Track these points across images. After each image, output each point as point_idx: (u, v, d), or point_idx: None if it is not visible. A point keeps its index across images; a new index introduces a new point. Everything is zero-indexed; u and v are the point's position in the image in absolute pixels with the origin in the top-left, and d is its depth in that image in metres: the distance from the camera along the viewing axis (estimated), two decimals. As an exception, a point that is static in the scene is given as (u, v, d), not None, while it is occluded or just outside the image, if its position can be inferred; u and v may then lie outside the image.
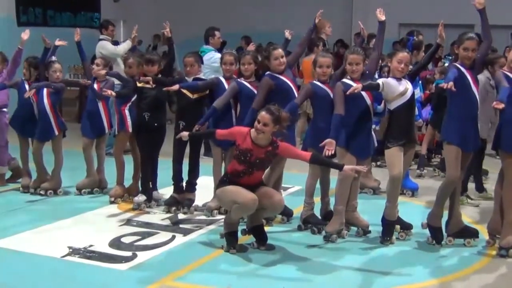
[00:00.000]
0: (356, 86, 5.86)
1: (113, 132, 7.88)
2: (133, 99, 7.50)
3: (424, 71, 8.57)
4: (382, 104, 6.75)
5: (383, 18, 6.48)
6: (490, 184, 8.23)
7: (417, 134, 8.44)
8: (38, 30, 9.36)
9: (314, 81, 6.52)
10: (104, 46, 10.30)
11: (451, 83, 5.62)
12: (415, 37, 9.70)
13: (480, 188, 8.02)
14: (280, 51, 6.74)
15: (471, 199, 7.78)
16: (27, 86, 7.83)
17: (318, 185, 6.70)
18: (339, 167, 5.84)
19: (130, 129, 7.52)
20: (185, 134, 6.33)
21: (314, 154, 5.87)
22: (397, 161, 6.12)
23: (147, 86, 7.11)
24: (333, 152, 5.92)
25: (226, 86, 6.92)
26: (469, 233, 6.29)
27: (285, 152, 5.94)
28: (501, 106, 5.50)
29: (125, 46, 10.12)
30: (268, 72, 6.73)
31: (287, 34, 7.28)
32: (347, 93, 5.89)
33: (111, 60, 8.91)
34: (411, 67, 6.52)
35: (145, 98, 7.19)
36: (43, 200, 7.72)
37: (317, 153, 5.94)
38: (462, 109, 5.99)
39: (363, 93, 6.13)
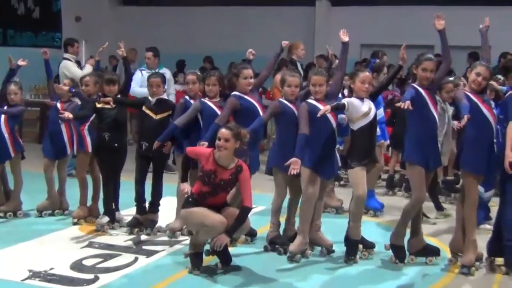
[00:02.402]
0: (326, 107, 5.89)
1: (72, 153, 7.79)
2: (91, 119, 7.44)
3: (385, 91, 8.68)
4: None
5: (346, 39, 6.53)
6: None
7: (383, 154, 8.52)
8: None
9: (281, 99, 6.54)
10: (69, 68, 10.15)
11: (407, 102, 5.69)
12: (376, 60, 9.84)
13: (439, 207, 8.10)
14: (250, 71, 6.74)
15: (428, 217, 7.86)
16: None
17: (284, 204, 6.69)
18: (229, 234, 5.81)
19: (90, 149, 7.45)
20: (187, 188, 6.05)
21: (243, 210, 5.79)
22: (362, 181, 6.16)
23: (107, 106, 7.06)
24: (298, 171, 5.93)
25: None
26: (430, 252, 6.35)
27: (240, 182, 5.85)
28: (466, 119, 5.57)
29: (88, 71, 9.82)
30: (234, 92, 6.73)
31: (249, 54, 7.31)
32: (318, 115, 5.92)
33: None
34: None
35: (105, 119, 7.13)
36: (2, 222, 7.56)
37: (247, 210, 5.84)
38: (421, 129, 6.06)
39: (328, 114, 6.16)
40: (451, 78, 8.00)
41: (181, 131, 6.82)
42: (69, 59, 10.36)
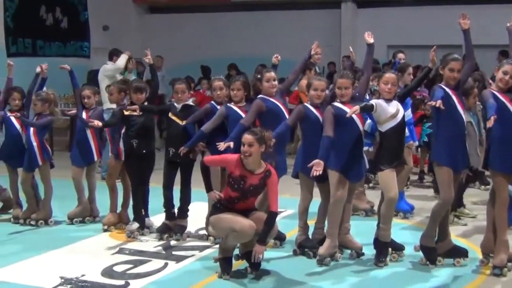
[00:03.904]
0: (355, 108, 5.89)
1: (106, 160, 7.85)
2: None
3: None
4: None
5: (371, 40, 6.52)
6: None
7: (411, 155, 8.44)
8: (28, 61, 9.41)
9: (306, 104, 6.54)
10: (105, 68, 11.01)
11: (439, 101, 5.66)
12: (398, 60, 9.83)
13: (459, 204, 8.01)
14: (272, 74, 6.75)
15: (459, 218, 7.78)
16: (12, 118, 7.84)
17: (311, 209, 6.66)
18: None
19: (123, 157, 7.51)
20: (217, 195, 6.00)
21: (270, 215, 5.77)
22: (393, 183, 6.14)
23: (134, 113, 7.12)
24: (320, 172, 5.88)
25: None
26: (458, 253, 6.28)
27: (268, 186, 5.84)
28: (493, 120, 5.52)
29: (122, 60, 11.03)
30: (260, 95, 6.75)
31: (274, 59, 7.29)
32: (347, 115, 5.95)
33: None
34: (398, 90, 6.55)
35: (133, 126, 7.19)
36: (34, 230, 7.67)
37: (275, 215, 5.83)
38: (449, 130, 6.01)
39: (354, 116, 6.15)
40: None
41: (207, 137, 6.84)
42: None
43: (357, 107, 5.90)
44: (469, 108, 7.50)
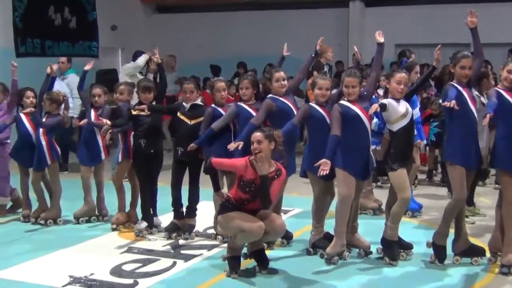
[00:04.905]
0: (375, 105, 5.93)
1: (116, 159, 7.87)
2: None
3: (419, 92, 8.61)
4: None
5: (381, 40, 6.49)
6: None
7: (419, 154, 8.45)
8: (37, 61, 9.44)
9: (311, 103, 6.54)
10: (124, 67, 11.32)
11: (453, 102, 5.65)
12: (407, 59, 9.82)
13: (469, 202, 8.00)
14: (282, 73, 6.73)
15: (466, 216, 7.76)
16: (24, 118, 7.89)
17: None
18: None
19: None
20: (225, 194, 6.02)
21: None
22: (406, 183, 6.15)
23: (142, 113, 7.13)
24: (327, 172, 5.88)
25: (222, 112, 6.94)
26: (476, 252, 6.27)
27: (274, 183, 5.82)
28: (488, 118, 5.53)
29: (142, 59, 11.32)
30: (270, 95, 6.74)
31: (285, 51, 7.27)
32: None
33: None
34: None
35: (141, 126, 7.21)
36: (43, 229, 7.70)
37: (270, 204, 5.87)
38: (462, 128, 5.99)
39: (362, 114, 6.16)
40: None
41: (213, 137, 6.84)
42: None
43: (376, 105, 5.92)
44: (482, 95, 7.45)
